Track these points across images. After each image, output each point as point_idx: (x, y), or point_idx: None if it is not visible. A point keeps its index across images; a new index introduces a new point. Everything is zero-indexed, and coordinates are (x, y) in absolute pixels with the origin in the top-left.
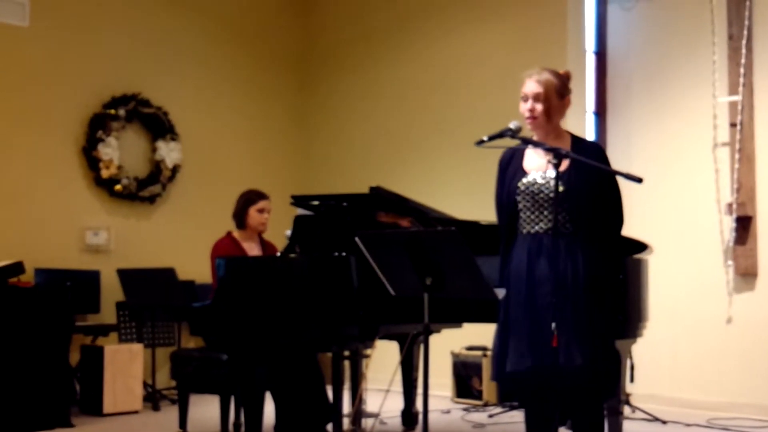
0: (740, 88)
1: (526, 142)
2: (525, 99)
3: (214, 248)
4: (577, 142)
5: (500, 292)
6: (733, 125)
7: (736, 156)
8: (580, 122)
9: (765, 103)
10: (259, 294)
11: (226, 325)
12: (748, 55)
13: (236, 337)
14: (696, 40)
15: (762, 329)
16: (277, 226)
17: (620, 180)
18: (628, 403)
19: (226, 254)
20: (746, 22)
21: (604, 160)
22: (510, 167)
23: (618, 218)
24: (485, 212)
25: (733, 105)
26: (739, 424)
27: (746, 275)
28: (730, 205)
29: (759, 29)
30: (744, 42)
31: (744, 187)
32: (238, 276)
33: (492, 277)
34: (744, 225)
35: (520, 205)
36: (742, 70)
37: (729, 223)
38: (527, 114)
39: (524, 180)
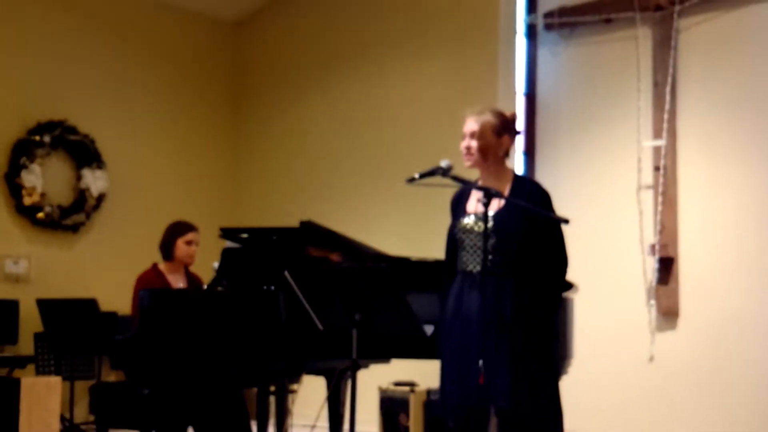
0: (664, 133)
1: (458, 180)
2: (463, 137)
3: (138, 280)
4: (519, 181)
5: (428, 329)
6: (656, 169)
7: (659, 199)
8: (509, 162)
9: (688, 147)
10: (184, 328)
11: (149, 359)
12: (672, 101)
13: (159, 372)
14: (622, 86)
15: (683, 367)
16: (204, 258)
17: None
18: None
19: (150, 287)
20: (671, 69)
21: (544, 200)
22: (457, 207)
23: (561, 260)
24: (416, 249)
25: (657, 149)
26: None
27: (668, 314)
28: (653, 246)
29: (683, 76)
30: (668, 88)
31: (666, 229)
32: (163, 309)
33: (421, 314)
34: (666, 266)
35: (459, 244)
36: (666, 116)
37: (652, 264)
38: (464, 151)
39: (463, 219)
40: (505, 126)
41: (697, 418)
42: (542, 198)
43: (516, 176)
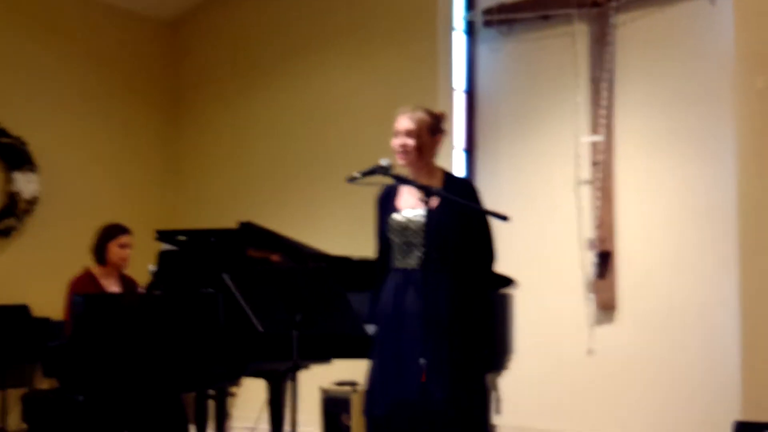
0: (601, 129)
1: (399, 179)
2: (397, 134)
3: (71, 285)
4: (450, 179)
5: (370, 328)
6: (594, 164)
7: (597, 194)
8: (450, 159)
9: (624, 143)
10: (119, 332)
11: (84, 365)
12: (609, 96)
13: (94, 378)
14: (561, 82)
15: (621, 360)
16: (141, 261)
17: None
18: None
19: (83, 291)
20: (607, 66)
21: (475, 196)
22: (386, 205)
23: (488, 254)
24: (358, 248)
25: (594, 145)
26: None
27: (606, 308)
28: (591, 241)
29: (620, 72)
30: (605, 84)
31: (604, 224)
32: (97, 313)
33: (363, 313)
34: (604, 260)
35: (392, 242)
36: (603, 111)
37: (590, 258)
38: (399, 149)
39: (395, 217)
40: (437, 125)
41: (635, 411)
42: (474, 195)
43: (446, 174)
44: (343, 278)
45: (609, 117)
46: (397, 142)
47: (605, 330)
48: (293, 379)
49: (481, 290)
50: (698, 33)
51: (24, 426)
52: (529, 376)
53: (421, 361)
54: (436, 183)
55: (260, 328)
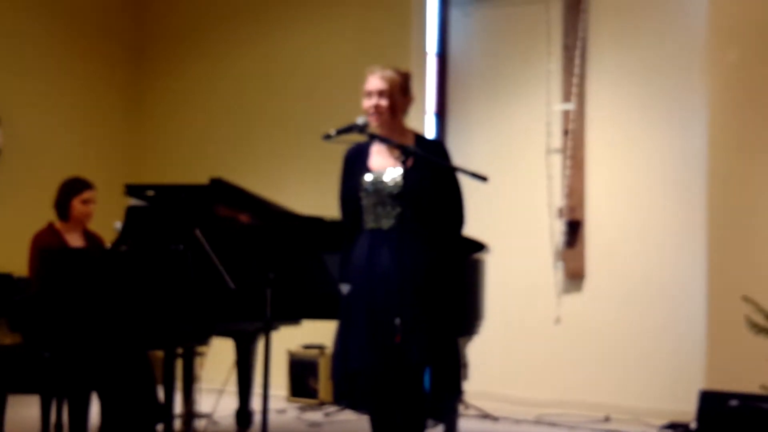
0: (573, 97)
1: (375, 138)
2: (369, 95)
3: (34, 239)
4: (421, 140)
5: (344, 288)
6: (565, 133)
7: (568, 162)
8: (421, 123)
9: (596, 112)
10: (86, 288)
11: (50, 320)
12: (582, 65)
13: (60, 334)
14: (532, 49)
15: (588, 329)
16: (105, 218)
17: (461, 179)
18: (461, 400)
19: (47, 246)
20: (580, 33)
21: (446, 157)
22: (355, 164)
23: (458, 216)
24: (328, 208)
25: (566, 113)
26: (565, 420)
27: (574, 277)
28: (560, 210)
29: (593, 40)
30: (578, 52)
31: (574, 193)
32: (64, 268)
33: (335, 274)
34: (573, 229)
35: (363, 202)
36: (575, 80)
37: (559, 227)
38: (371, 111)
39: (367, 177)
40: (407, 84)
41: (601, 379)
42: (445, 156)
43: (417, 135)
44: (315, 239)
45: (581, 85)
46: (369, 103)
47: (573, 298)
48: (266, 338)
49: (453, 252)
50: (672, 3)
51: None
52: (496, 343)
53: (396, 320)
54: (408, 143)
55: (232, 286)
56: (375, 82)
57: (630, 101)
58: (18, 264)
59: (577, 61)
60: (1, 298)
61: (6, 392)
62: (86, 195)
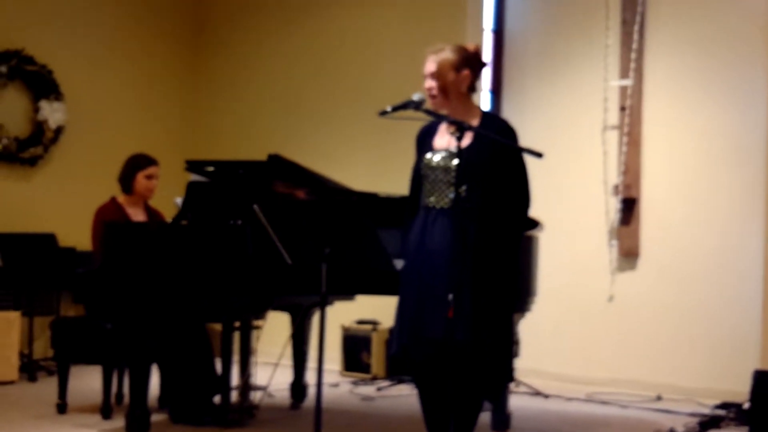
0: (631, 73)
1: (430, 113)
2: (425, 77)
3: (97, 213)
4: (488, 118)
5: (399, 263)
6: (622, 109)
7: (624, 139)
8: (477, 100)
9: (654, 87)
10: (148, 261)
11: (113, 292)
12: (640, 40)
13: (123, 306)
14: (590, 24)
15: (641, 308)
16: (165, 193)
17: (527, 161)
18: (513, 379)
19: (111, 219)
20: (639, 8)
21: (513, 137)
22: (424, 143)
23: (524, 197)
24: (383, 185)
25: (623, 89)
26: (617, 399)
27: (629, 255)
28: (616, 187)
29: (651, 15)
30: (636, 27)
31: (630, 170)
32: (128, 241)
33: (390, 250)
34: (629, 206)
35: (424, 180)
36: (633, 55)
37: (614, 204)
38: (428, 93)
39: (429, 155)
40: (465, 60)
41: (654, 359)
42: (510, 134)
43: (483, 113)
44: (369, 215)
45: (639, 61)
46: (425, 85)
47: (627, 277)
48: (321, 312)
49: (512, 233)
50: None
51: (50, 353)
52: (548, 320)
53: (450, 296)
54: (472, 121)
55: (289, 261)
56: (427, 64)
57: (688, 76)
58: (81, 239)
59: (635, 36)
60: (64, 271)
61: (69, 362)
62: (150, 170)
